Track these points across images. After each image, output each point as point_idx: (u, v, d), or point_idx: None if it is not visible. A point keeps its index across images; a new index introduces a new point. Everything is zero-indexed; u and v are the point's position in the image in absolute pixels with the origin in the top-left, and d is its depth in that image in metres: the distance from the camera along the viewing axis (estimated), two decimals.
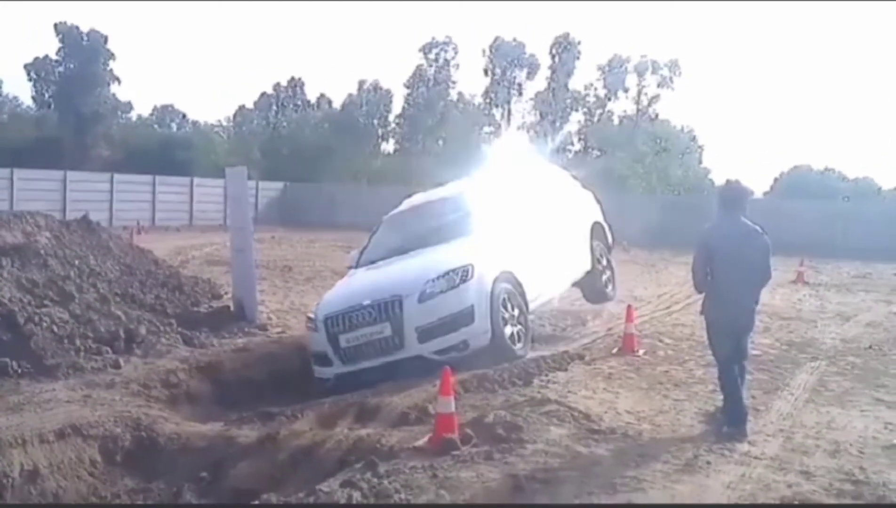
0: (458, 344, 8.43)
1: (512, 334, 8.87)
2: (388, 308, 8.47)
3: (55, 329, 8.90)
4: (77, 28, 49.85)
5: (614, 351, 9.72)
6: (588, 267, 11.69)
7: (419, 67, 58.35)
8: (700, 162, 56.87)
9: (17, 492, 6.07)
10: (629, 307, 10.28)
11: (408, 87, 58.30)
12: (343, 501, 4.89)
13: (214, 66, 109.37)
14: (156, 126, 60.10)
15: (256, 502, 5.13)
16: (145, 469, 6.83)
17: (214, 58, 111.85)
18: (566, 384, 7.97)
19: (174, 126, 63.47)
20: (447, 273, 8.61)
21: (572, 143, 59.35)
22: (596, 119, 58.90)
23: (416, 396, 7.33)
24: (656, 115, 57.98)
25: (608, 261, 12.61)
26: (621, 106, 59.53)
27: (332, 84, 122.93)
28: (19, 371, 8.12)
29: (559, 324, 12.01)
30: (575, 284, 11.87)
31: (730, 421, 6.45)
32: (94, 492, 6.52)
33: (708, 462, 5.73)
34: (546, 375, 8.25)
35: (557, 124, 58.65)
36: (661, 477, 5.41)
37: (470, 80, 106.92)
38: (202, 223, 36.86)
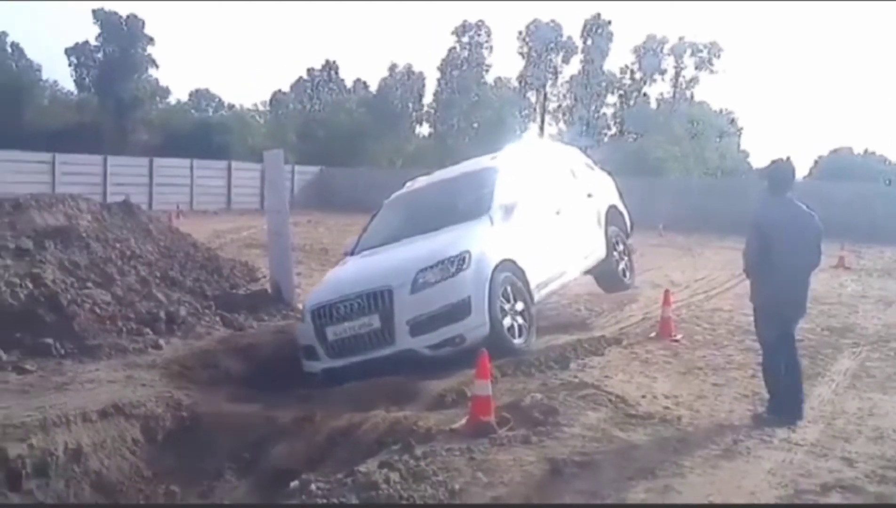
0: (454, 338, 7.87)
1: (512, 327, 8.27)
2: (377, 299, 7.94)
3: (97, 310, 9.04)
4: (116, 14, 50.50)
5: (651, 335, 9.66)
6: (603, 254, 10.90)
7: (452, 50, 58.15)
8: (739, 145, 56.24)
9: (62, 470, 6.19)
10: (666, 291, 10.21)
11: (441, 70, 58.14)
12: (381, 481, 4.92)
13: (249, 50, 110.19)
14: (193, 110, 60.51)
15: (296, 482, 5.18)
16: (186, 448, 6.92)
17: (249, 42, 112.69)
18: (603, 368, 7.96)
19: (210, 110, 63.90)
20: (442, 261, 8.05)
21: (608, 127, 58.97)
22: (632, 102, 58.35)
23: (453, 379, 7.33)
24: (692, 97, 57.38)
25: (625, 248, 11.80)
26: (658, 88, 59.02)
27: (365, 68, 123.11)
28: (63, 351, 8.27)
29: (595, 308, 11.90)
30: (588, 272, 11.04)
31: (771, 409, 6.39)
32: (136, 471, 6.62)
33: (748, 448, 5.69)
34: (583, 359, 8.24)
35: (593, 107, 58.27)
36: (700, 462, 5.37)
37: (505, 63, 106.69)
38: (239, 206, 37.04)
